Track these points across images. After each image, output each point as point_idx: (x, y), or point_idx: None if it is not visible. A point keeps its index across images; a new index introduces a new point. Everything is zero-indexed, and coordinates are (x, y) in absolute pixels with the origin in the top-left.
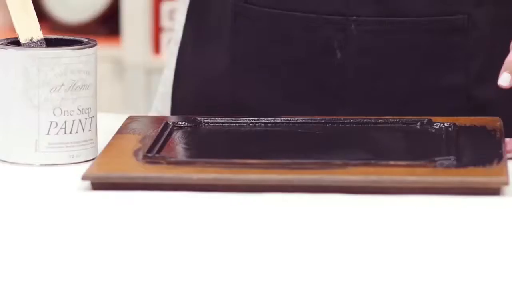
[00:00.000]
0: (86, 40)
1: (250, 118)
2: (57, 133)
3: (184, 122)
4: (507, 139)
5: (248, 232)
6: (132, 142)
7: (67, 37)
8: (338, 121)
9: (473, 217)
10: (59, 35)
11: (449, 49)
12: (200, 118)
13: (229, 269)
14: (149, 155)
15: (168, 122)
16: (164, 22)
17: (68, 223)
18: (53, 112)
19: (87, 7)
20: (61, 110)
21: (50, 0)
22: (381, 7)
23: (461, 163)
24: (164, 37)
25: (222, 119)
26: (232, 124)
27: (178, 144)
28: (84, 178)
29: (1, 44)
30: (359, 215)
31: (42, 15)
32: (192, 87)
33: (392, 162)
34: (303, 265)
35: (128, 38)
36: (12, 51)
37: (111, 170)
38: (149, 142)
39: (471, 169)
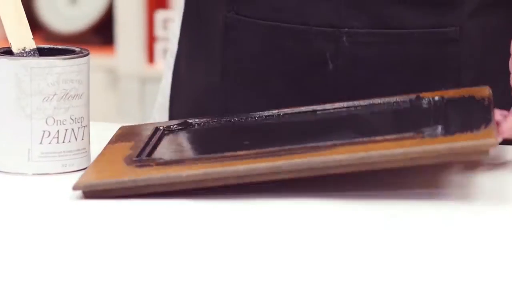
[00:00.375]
0: (79, 49)
1: (240, 115)
2: (49, 143)
3: (174, 126)
4: (500, 119)
5: (241, 239)
6: (123, 150)
7: (59, 47)
8: (327, 108)
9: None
10: (52, 44)
11: (441, 61)
12: (190, 120)
13: (224, 275)
14: (138, 158)
15: (159, 127)
16: (158, 31)
17: (60, 233)
18: (46, 122)
19: (81, 17)
20: (54, 120)
21: (43, 9)
22: (373, 19)
23: (448, 131)
24: (158, 47)
25: (212, 119)
26: (222, 121)
27: (168, 146)
28: (75, 188)
29: None
30: (358, 223)
31: (36, 25)
32: (187, 99)
33: (379, 138)
34: (297, 274)
35: (122, 48)
36: (5, 60)
37: (101, 177)
38: (139, 148)
39: (458, 135)
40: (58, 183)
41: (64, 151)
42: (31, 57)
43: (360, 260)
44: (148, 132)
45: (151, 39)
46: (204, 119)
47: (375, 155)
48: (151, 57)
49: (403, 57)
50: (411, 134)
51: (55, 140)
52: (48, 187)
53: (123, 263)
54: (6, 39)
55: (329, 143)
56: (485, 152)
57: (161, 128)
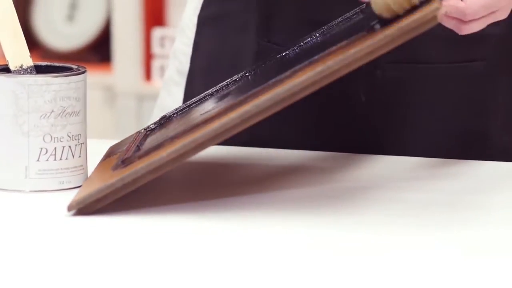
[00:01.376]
0: (76, 67)
1: (206, 95)
2: (47, 160)
3: (153, 124)
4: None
5: (235, 259)
6: (111, 162)
7: (57, 64)
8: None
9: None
10: (49, 62)
11: (471, 94)
12: (171, 113)
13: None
14: (122, 160)
15: (140, 130)
16: (155, 49)
17: (57, 250)
18: (43, 139)
19: (78, 34)
20: (51, 137)
21: (40, 27)
22: (405, 53)
23: (398, 19)
24: (155, 64)
25: (184, 107)
26: (191, 106)
27: (150, 142)
28: (69, 208)
29: None
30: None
31: (33, 43)
32: None
33: (333, 48)
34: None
35: (119, 65)
36: (2, 78)
37: (92, 190)
38: (123, 153)
39: (407, 17)
40: (55, 200)
41: (61, 168)
42: (28, 75)
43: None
44: (131, 139)
45: (148, 57)
46: (179, 108)
47: (332, 64)
48: (148, 75)
49: (434, 92)
50: (361, 33)
51: (52, 157)
52: (45, 204)
53: (119, 281)
54: (3, 57)
55: (288, 72)
56: (433, 19)
57: (142, 130)
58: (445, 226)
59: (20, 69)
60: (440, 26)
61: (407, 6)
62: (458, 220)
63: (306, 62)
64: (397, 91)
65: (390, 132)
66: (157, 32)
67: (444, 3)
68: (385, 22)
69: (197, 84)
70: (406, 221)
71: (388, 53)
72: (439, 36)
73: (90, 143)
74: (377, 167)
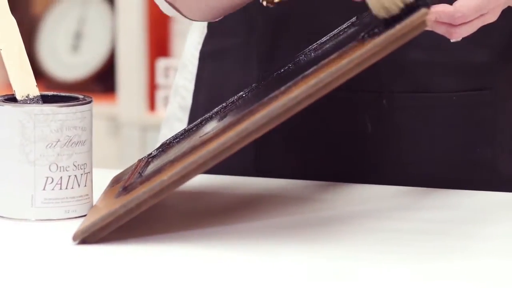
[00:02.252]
0: (82, 96)
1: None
2: (53, 189)
3: (155, 151)
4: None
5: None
6: (114, 191)
7: (63, 94)
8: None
9: None
10: (55, 92)
11: (477, 123)
12: (171, 138)
13: None
14: (124, 187)
15: (142, 158)
16: (160, 79)
17: (63, 279)
18: (49, 168)
19: (82, 64)
20: (57, 166)
21: (45, 57)
22: (412, 83)
23: (388, 28)
24: (160, 95)
25: (183, 133)
26: (192, 130)
27: (151, 167)
28: (74, 238)
29: None
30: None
31: (39, 73)
32: None
33: (325, 61)
34: None
35: (124, 95)
36: (9, 107)
37: (96, 218)
38: (126, 180)
39: (397, 25)
40: (61, 229)
41: (67, 197)
42: (34, 104)
43: None
44: (133, 167)
45: (152, 87)
46: (178, 134)
47: (325, 76)
48: (152, 105)
49: (440, 120)
50: (352, 43)
51: (58, 186)
52: (51, 233)
53: None
54: (10, 86)
55: (282, 88)
56: (422, 24)
57: (144, 158)
58: (443, 256)
59: (26, 98)
60: (440, 54)
61: (400, 4)
62: (456, 249)
63: (299, 77)
64: (403, 120)
65: (395, 161)
66: (161, 63)
67: (432, 9)
68: (377, 30)
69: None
70: (405, 250)
71: (394, 82)
72: (445, 64)
73: (95, 172)
74: (379, 196)
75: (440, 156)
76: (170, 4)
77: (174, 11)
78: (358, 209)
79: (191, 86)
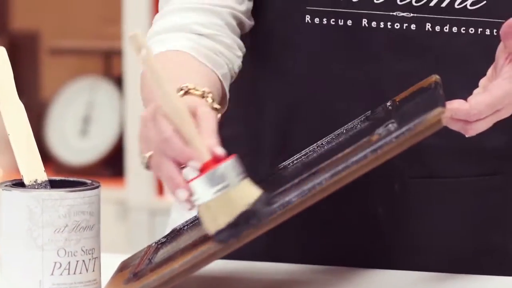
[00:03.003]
0: (90, 181)
1: None
2: (61, 274)
3: (164, 238)
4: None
5: None
6: (123, 276)
7: (71, 179)
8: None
9: None
10: (63, 176)
11: (489, 208)
12: (181, 225)
13: None
14: (134, 273)
15: (151, 244)
16: None
17: None
18: (57, 253)
19: (91, 149)
20: (65, 251)
21: (54, 142)
22: (425, 168)
23: (403, 124)
24: None
25: (194, 220)
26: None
27: (161, 254)
28: None
29: (6, 185)
30: None
31: (47, 157)
32: None
33: (340, 155)
34: None
35: (132, 180)
36: (17, 192)
37: None
38: (135, 266)
39: (413, 123)
40: None
41: (75, 282)
42: (42, 189)
43: None
44: (142, 253)
45: None
46: (189, 221)
47: (338, 178)
48: (160, 189)
49: (451, 206)
50: (364, 140)
51: (66, 271)
52: None
53: None
54: (18, 171)
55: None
56: (438, 122)
57: (153, 244)
58: None
59: (34, 183)
60: (455, 139)
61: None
62: None
63: (314, 183)
64: (414, 205)
65: (406, 246)
66: None
67: (448, 106)
68: (392, 126)
69: None
70: None
71: (407, 168)
72: (460, 150)
73: (103, 257)
74: (390, 281)
75: (451, 241)
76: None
77: None
78: None
79: None
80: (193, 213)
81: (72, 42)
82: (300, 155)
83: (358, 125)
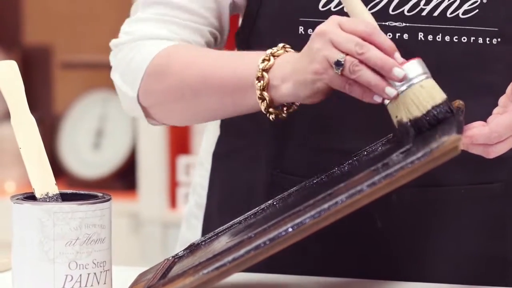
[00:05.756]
0: (101, 194)
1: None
2: (72, 286)
3: (181, 252)
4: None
5: None
6: None
7: (82, 192)
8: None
9: None
10: (74, 189)
11: (488, 216)
12: (199, 240)
13: None
14: (148, 286)
15: (168, 258)
16: (180, 176)
17: None
18: (69, 266)
19: (103, 162)
20: (76, 264)
21: (67, 155)
22: (423, 177)
23: (420, 149)
24: (181, 192)
25: (212, 236)
26: (219, 235)
27: (176, 269)
28: None
29: (18, 199)
30: None
31: (59, 170)
32: None
33: (349, 181)
34: None
35: (145, 193)
36: (28, 205)
37: None
38: (150, 280)
39: (429, 149)
40: None
41: None
42: (54, 202)
43: None
44: (159, 266)
45: (173, 184)
46: (207, 236)
47: (345, 204)
48: (173, 202)
49: (451, 214)
50: (381, 163)
51: (78, 284)
52: None
53: None
54: (29, 184)
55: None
56: (454, 149)
57: (170, 258)
58: None
59: (46, 196)
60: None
61: (423, 109)
62: None
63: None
64: (413, 215)
65: (407, 257)
66: (182, 160)
67: (468, 133)
68: (409, 148)
69: (213, 220)
70: None
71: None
72: (454, 158)
73: (115, 269)
74: None
75: (452, 250)
76: (142, 107)
77: (138, 112)
78: None
79: (205, 183)
80: (198, 225)
81: (84, 56)
82: (324, 174)
83: (380, 148)
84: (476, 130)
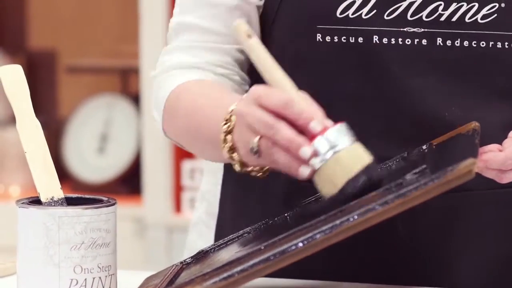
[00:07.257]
0: (106, 199)
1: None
2: None
3: (189, 258)
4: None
5: None
6: None
7: (87, 196)
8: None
9: None
10: (79, 194)
11: (509, 222)
12: (208, 247)
13: None
14: None
15: (177, 263)
16: (185, 181)
17: None
18: (74, 270)
19: (109, 166)
20: (81, 268)
21: (72, 159)
22: None
23: (434, 172)
24: (185, 196)
25: (221, 243)
26: (228, 243)
27: (183, 276)
28: None
29: (23, 203)
30: None
31: (64, 175)
32: None
33: (354, 202)
34: None
35: (150, 197)
36: (33, 209)
37: None
38: (156, 286)
39: (443, 172)
40: None
41: None
42: (59, 206)
43: None
44: (166, 272)
45: (178, 189)
46: (217, 244)
47: (357, 221)
48: (178, 207)
49: (474, 218)
50: (389, 185)
51: None
52: None
53: None
54: (34, 189)
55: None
56: (468, 173)
57: (178, 263)
58: None
59: (51, 201)
60: None
61: (339, 185)
62: None
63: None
64: (435, 220)
65: (427, 261)
66: (187, 165)
67: (484, 156)
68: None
69: (226, 229)
70: None
71: None
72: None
73: (120, 274)
74: None
75: (476, 255)
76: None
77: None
78: None
79: (216, 191)
80: (210, 233)
81: (89, 61)
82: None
83: (393, 166)
84: (491, 155)
